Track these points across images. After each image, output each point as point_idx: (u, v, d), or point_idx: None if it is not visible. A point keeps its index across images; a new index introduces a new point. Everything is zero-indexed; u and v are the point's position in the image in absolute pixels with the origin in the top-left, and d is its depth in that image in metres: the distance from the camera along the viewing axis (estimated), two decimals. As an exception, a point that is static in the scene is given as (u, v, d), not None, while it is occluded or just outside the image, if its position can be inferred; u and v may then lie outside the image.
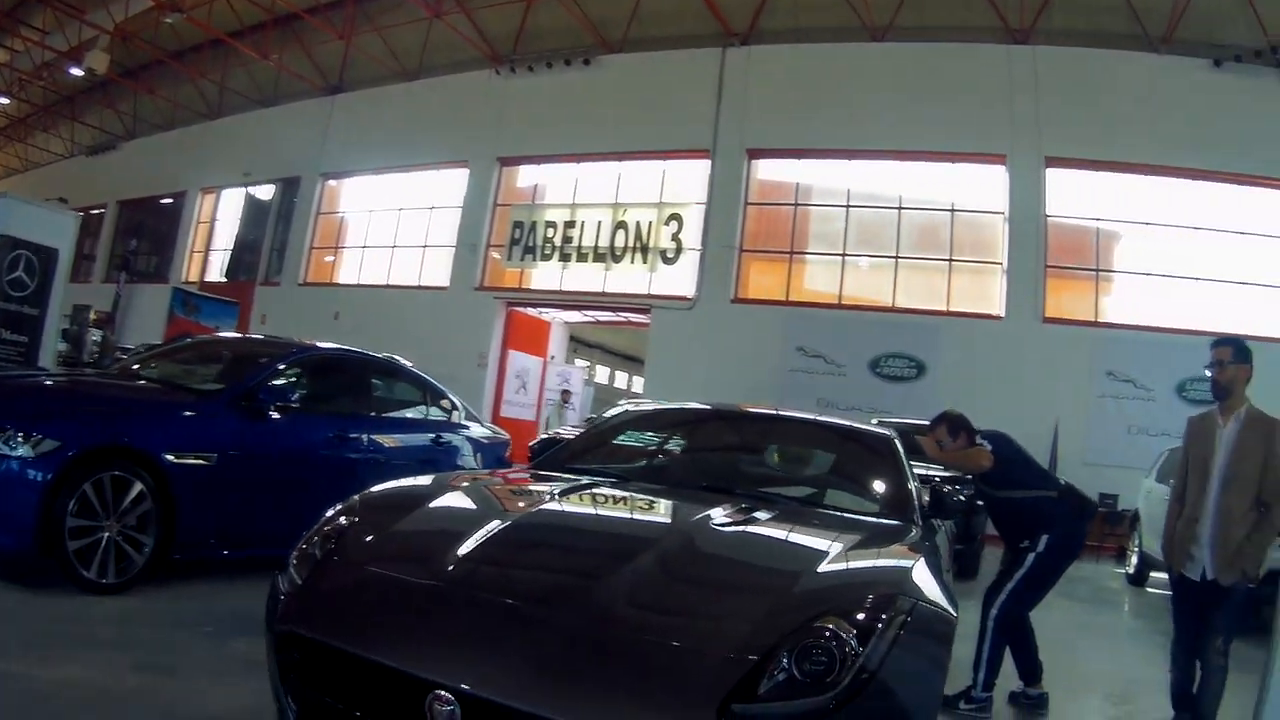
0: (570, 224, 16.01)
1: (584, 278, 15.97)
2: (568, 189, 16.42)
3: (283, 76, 19.86)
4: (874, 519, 3.07)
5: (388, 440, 5.43)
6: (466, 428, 6.20)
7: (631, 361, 25.79)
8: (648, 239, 15.48)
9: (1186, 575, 3.71)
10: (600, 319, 17.39)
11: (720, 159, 15.28)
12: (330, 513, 2.55)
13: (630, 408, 12.54)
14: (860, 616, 1.98)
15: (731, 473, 3.60)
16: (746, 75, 15.46)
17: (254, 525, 4.65)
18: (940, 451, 4.27)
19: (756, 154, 15.40)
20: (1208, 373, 3.81)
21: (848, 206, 15.04)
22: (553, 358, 16.94)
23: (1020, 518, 4.10)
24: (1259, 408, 3.72)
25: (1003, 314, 14.46)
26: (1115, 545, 11.77)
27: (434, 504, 2.66)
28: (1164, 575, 9.10)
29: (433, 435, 5.84)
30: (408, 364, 6.13)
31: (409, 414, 5.96)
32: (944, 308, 14.63)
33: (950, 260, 14.77)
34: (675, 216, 15.40)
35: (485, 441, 6.30)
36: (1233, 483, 3.61)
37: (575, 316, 17.34)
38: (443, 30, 17.47)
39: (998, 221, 14.74)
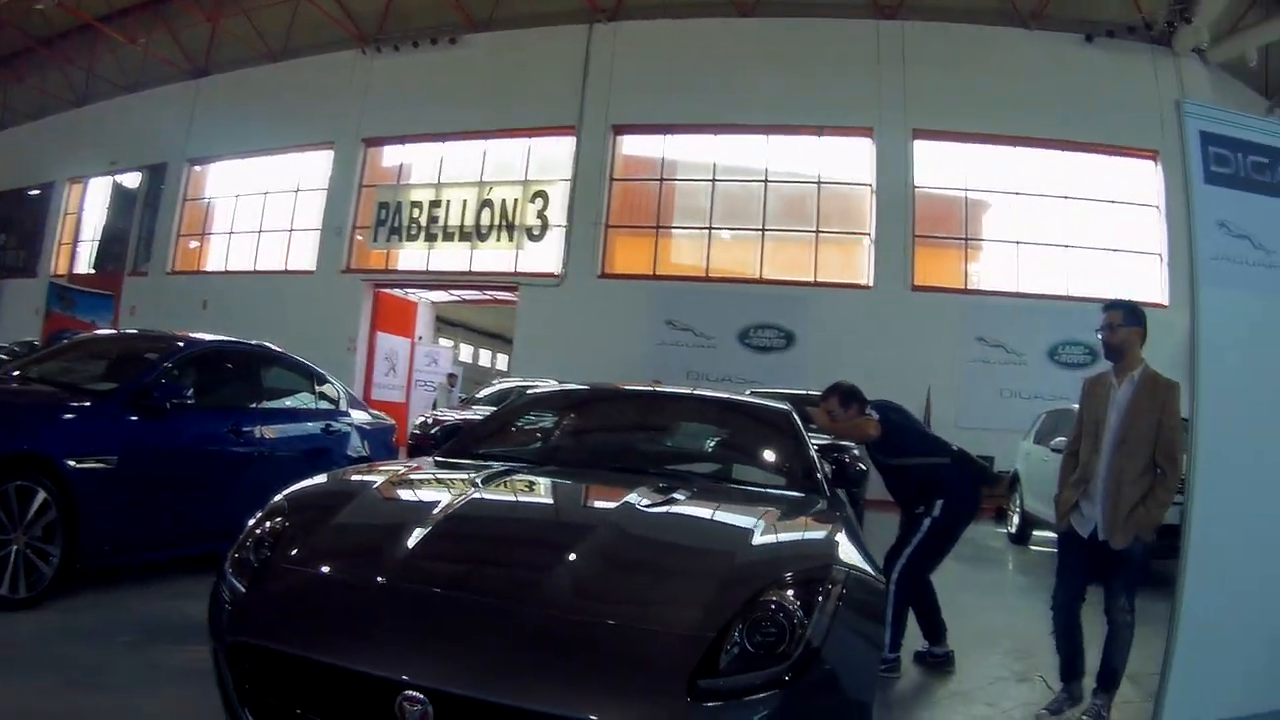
0: (436, 204, 15.49)
1: (450, 257, 15.45)
2: (433, 169, 15.90)
3: (149, 61, 19.04)
4: (785, 492, 3.16)
5: (281, 431, 5.39)
6: (350, 414, 6.08)
7: (495, 339, 25.30)
8: (514, 217, 15.03)
9: (1075, 530, 3.63)
10: (467, 298, 16.84)
11: (586, 135, 14.92)
12: (259, 515, 2.48)
13: (505, 386, 12.08)
14: (802, 588, 2.07)
15: (641, 453, 3.68)
16: (613, 51, 15.16)
17: (158, 527, 4.55)
18: (831, 422, 4.40)
19: (622, 130, 15.10)
20: (1099, 336, 3.71)
21: (714, 180, 14.80)
22: (420, 338, 16.37)
23: (914, 484, 4.24)
24: (1155, 370, 3.63)
25: (871, 283, 14.31)
26: (993, 506, 11.64)
27: (363, 500, 2.64)
28: (1045, 534, 8.89)
29: (323, 424, 5.74)
30: (279, 351, 5.92)
31: (297, 403, 5.81)
32: (812, 278, 14.42)
33: (817, 232, 14.59)
34: (541, 194, 14.99)
35: (370, 428, 6.20)
36: (1125, 444, 3.53)
37: (442, 296, 16.80)
38: (309, 10, 16.88)
39: (865, 193, 14.61)
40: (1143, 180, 15.38)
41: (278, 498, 2.58)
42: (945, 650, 4.26)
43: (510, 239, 15.02)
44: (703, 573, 2.21)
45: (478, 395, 13.37)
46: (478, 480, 2.81)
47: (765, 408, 4.04)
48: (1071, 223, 14.97)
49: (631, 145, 15.29)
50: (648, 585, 2.22)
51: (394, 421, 6.92)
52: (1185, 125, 3.38)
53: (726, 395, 4.40)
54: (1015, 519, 9.84)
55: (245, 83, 17.83)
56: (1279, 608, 3.36)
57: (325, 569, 2.27)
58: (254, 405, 5.31)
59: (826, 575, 2.14)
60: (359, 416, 6.18)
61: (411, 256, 15.80)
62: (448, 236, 15.33)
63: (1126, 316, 3.64)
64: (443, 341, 18.14)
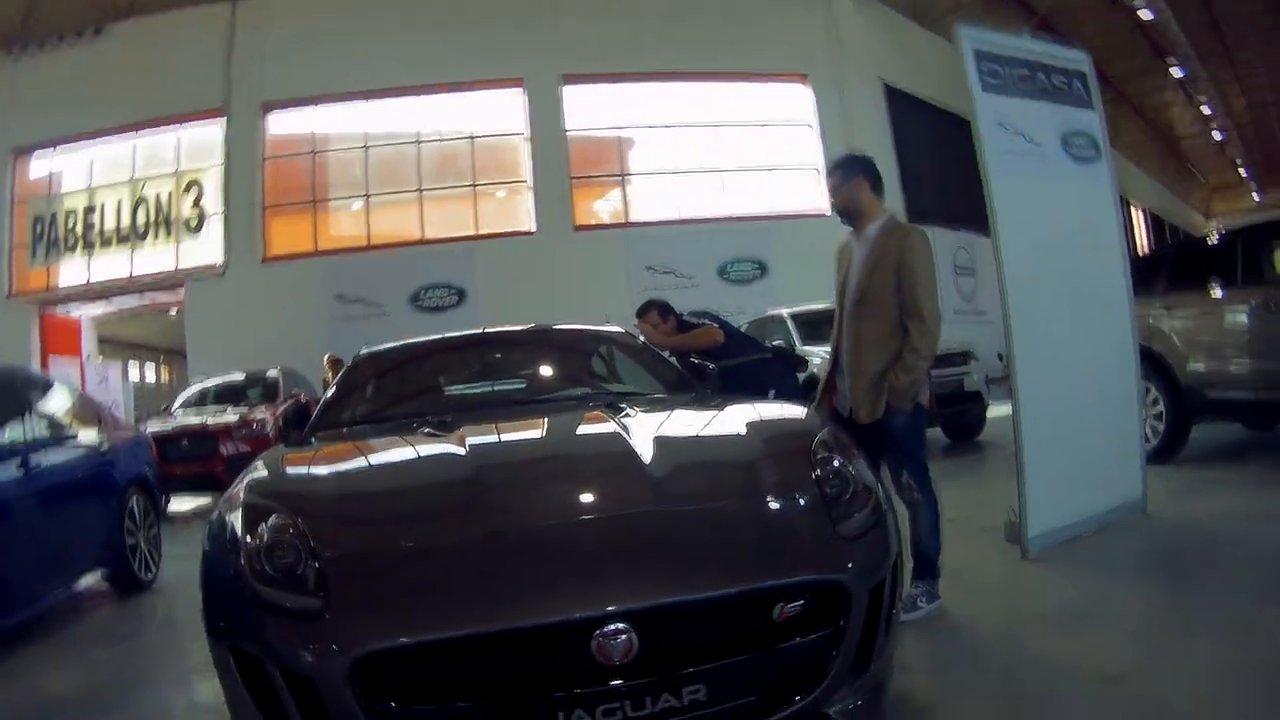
0: (90, 209, 14.80)
1: (112, 265, 14.76)
2: (85, 173, 15.16)
3: None
4: (690, 393, 3.28)
5: (67, 459, 4.73)
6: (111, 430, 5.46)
7: (151, 350, 24.18)
8: (169, 211, 14.52)
9: (838, 410, 3.34)
10: (126, 307, 16.13)
11: (235, 116, 14.55)
12: (243, 522, 2.05)
13: (201, 387, 11.55)
14: (827, 449, 2.27)
15: (533, 388, 3.62)
16: (257, 27, 14.80)
17: None
18: (663, 336, 4.65)
19: (271, 106, 14.79)
20: (830, 209, 3.44)
21: (366, 148, 14.71)
22: (89, 357, 15.58)
23: (747, 381, 4.36)
24: (899, 219, 3.29)
25: (534, 229, 14.55)
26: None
27: (346, 476, 2.37)
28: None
29: (98, 442, 5.07)
30: (34, 369, 5.38)
31: (67, 427, 5.07)
32: (474, 232, 14.55)
33: (475, 185, 14.72)
34: (194, 183, 14.55)
35: (130, 442, 5.58)
36: (862, 304, 3.19)
37: (103, 309, 16.07)
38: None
39: (519, 142, 14.84)
40: (796, 102, 16.25)
41: (245, 496, 2.18)
42: None
43: (169, 235, 14.51)
44: (756, 454, 2.30)
45: (177, 403, 12.82)
46: (434, 433, 2.58)
47: (607, 332, 4.10)
48: (730, 149, 15.66)
49: (281, 122, 14.99)
50: (727, 473, 2.29)
51: (145, 433, 6.53)
52: (962, 45, 3.90)
53: (565, 325, 4.31)
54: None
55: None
56: (1091, 426, 4.00)
57: (412, 544, 1.98)
58: (38, 436, 4.62)
59: (831, 435, 2.40)
60: (118, 432, 5.56)
61: (72, 270, 15.02)
62: (105, 242, 14.67)
63: (844, 173, 3.28)
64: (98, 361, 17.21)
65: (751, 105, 15.95)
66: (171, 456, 8.50)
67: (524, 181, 14.67)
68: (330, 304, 14.10)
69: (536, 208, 14.50)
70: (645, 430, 2.45)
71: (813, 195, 15.34)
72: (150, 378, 26.62)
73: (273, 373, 10.71)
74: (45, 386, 5.20)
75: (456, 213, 14.68)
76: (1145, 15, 20.08)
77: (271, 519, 2.02)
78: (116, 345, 20.81)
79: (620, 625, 1.72)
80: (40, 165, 15.56)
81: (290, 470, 2.45)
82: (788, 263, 14.47)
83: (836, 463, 2.21)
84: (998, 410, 8.28)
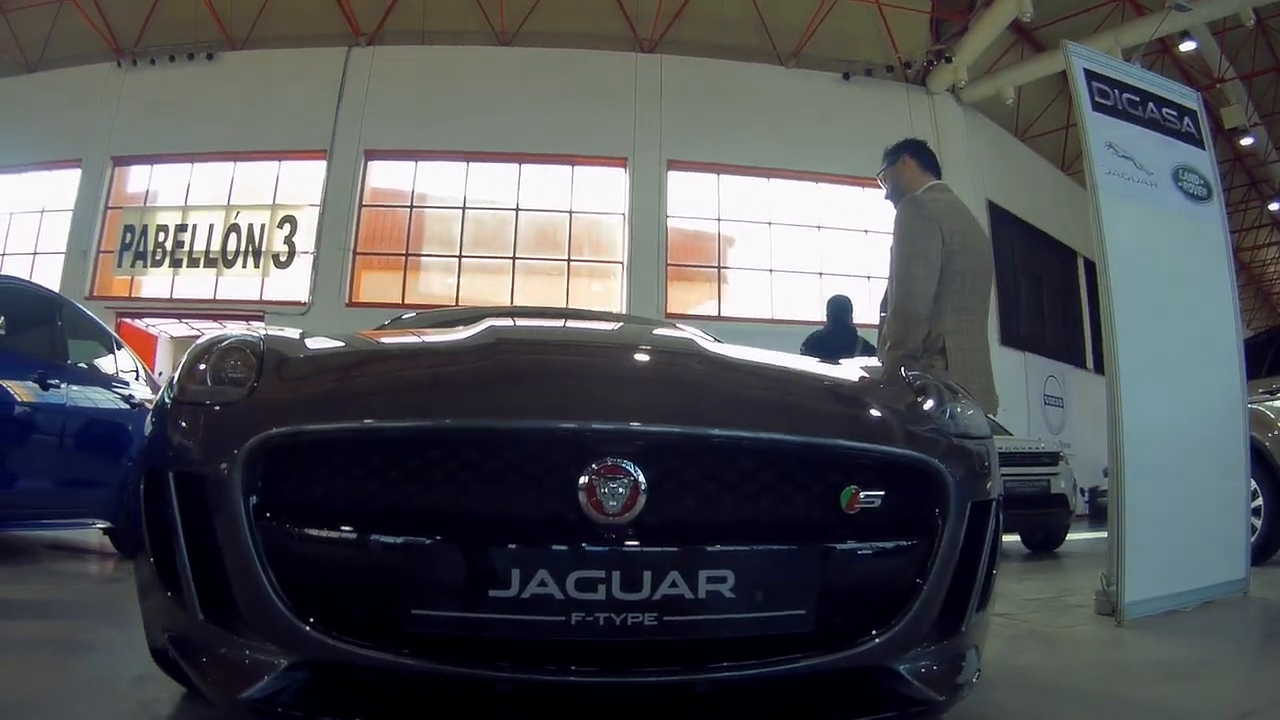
0: (182, 227, 14.77)
1: (196, 284, 14.73)
2: (181, 191, 15.18)
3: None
4: None
5: (89, 394, 4.63)
6: (146, 391, 5.40)
7: None
8: (261, 242, 14.48)
9: None
10: (206, 332, 16.08)
11: (338, 160, 14.54)
12: (193, 353, 1.63)
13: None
14: (927, 378, 1.93)
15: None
16: (370, 75, 14.87)
17: None
18: None
19: (374, 155, 14.77)
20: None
21: (464, 208, 14.62)
22: (160, 374, 15.49)
23: None
24: (929, 190, 3.18)
25: (625, 311, 14.36)
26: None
27: (336, 348, 1.77)
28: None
29: (128, 394, 4.95)
30: (78, 305, 5.34)
31: (100, 366, 5.03)
32: (565, 307, 14.39)
33: (569, 260, 14.58)
34: (289, 219, 14.50)
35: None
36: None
37: (182, 331, 16.03)
38: (71, 16, 15.97)
39: (618, 221, 14.72)
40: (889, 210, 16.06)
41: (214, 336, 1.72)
42: None
43: (257, 265, 14.46)
44: (847, 372, 1.99)
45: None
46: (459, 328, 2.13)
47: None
48: (829, 252, 15.48)
49: (382, 172, 14.97)
50: (813, 371, 1.99)
51: None
52: (1071, 63, 3.82)
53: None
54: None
55: (-5, 95, 16.69)
56: (1202, 492, 3.73)
57: (379, 350, 1.72)
58: (59, 359, 4.50)
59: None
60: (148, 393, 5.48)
61: (156, 283, 14.99)
62: (193, 262, 14.64)
63: (891, 157, 3.35)
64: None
65: (854, 210, 15.77)
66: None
67: (620, 262, 14.52)
68: (408, 359, 13.96)
69: (629, 291, 14.33)
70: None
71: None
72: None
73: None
74: (88, 323, 5.28)
75: (549, 285, 14.54)
76: (1246, 142, 19.76)
77: (229, 341, 1.61)
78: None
79: (624, 462, 1.25)
80: (139, 177, 15.61)
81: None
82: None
83: (936, 393, 1.76)
84: (1077, 534, 8.12)
